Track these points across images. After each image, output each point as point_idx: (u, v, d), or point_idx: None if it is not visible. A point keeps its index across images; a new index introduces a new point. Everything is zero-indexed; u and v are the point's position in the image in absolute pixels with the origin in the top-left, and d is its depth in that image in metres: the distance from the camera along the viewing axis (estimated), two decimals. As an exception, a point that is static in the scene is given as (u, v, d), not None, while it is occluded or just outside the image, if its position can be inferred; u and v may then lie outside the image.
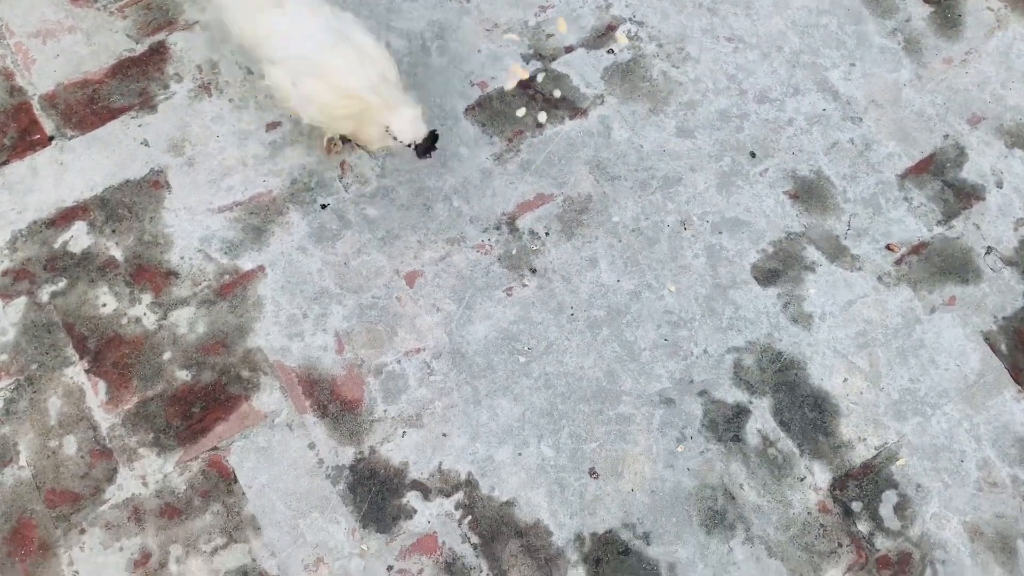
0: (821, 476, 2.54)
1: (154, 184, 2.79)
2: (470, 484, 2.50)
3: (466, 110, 2.95)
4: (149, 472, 2.46)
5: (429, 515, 2.46)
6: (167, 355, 2.59)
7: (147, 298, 2.65)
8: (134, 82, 2.93)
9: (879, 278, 2.78)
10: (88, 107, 2.88)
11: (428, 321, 2.68)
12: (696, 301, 2.73)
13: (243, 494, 2.45)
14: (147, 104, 2.90)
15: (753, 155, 2.93)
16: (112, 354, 2.57)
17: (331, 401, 2.56)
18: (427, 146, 2.51)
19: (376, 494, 2.46)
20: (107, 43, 2.98)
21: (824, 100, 3.02)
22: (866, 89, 3.05)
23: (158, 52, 2.98)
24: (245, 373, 2.58)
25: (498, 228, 2.78)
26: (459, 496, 2.48)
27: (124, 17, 3.03)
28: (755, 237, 2.82)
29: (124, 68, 2.95)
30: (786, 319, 2.72)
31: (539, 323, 2.69)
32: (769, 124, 2.98)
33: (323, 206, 2.80)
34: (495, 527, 2.46)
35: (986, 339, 2.72)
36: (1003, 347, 2.72)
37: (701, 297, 2.74)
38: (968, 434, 2.60)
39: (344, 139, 2.77)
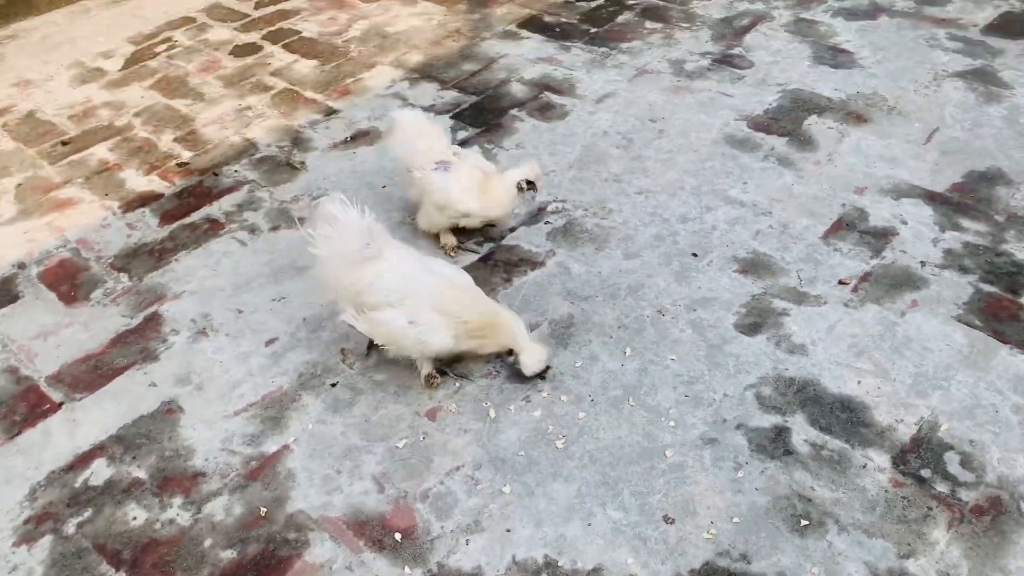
0: (880, 459, 2.55)
1: (168, 412, 2.89)
2: (550, 565, 2.37)
3: (440, 287, 3.27)
4: (210, 653, 2.24)
5: (519, 605, 2.29)
6: (208, 542, 2.49)
7: (178, 501, 2.60)
8: (134, 345, 3.15)
9: (845, 305, 3.06)
10: (93, 373, 3.05)
11: (460, 442, 2.71)
12: (699, 361, 2.90)
13: (317, 643, 2.24)
14: (149, 357, 3.09)
15: (695, 255, 3.32)
16: (150, 557, 2.46)
17: (385, 535, 2.47)
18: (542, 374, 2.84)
19: (459, 602, 2.30)
20: (104, 326, 3.24)
21: (734, 208, 3.52)
22: (764, 194, 3.60)
23: (152, 320, 3.25)
24: (291, 535, 2.49)
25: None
26: (543, 578, 2.34)
27: (117, 304, 3.33)
28: (726, 305, 3.09)
29: (123, 338, 3.18)
30: (783, 353, 2.90)
31: (564, 415, 2.77)
32: (698, 234, 3.42)
33: (332, 384, 2.93)
34: (590, 594, 2.30)
35: (959, 321, 2.96)
36: (977, 322, 2.95)
37: (702, 357, 2.91)
38: (989, 390, 2.72)
39: (441, 372, 2.89)
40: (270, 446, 2.74)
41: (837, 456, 2.57)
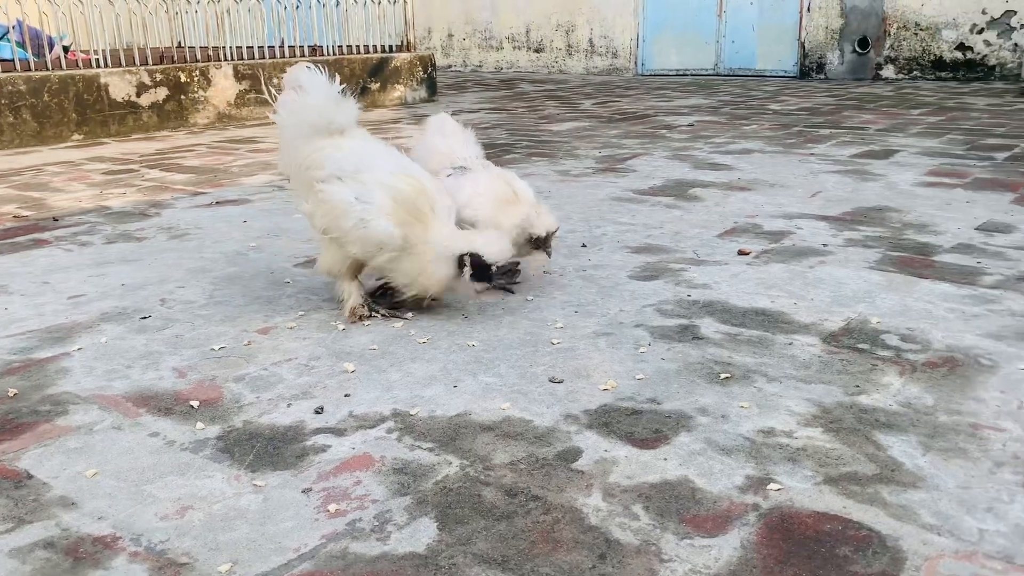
0: (807, 340, 2.12)
1: (-83, 340, 2.25)
2: (399, 415, 1.76)
3: (294, 264, 2.83)
4: None
5: (351, 444, 1.65)
6: (-81, 417, 1.79)
7: None
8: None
9: (748, 264, 2.76)
10: None
11: (295, 345, 2.15)
12: (589, 294, 2.49)
13: (44, 484, 1.52)
14: (-86, 311, 2.49)
15: (584, 245, 3.03)
16: None
17: (176, 404, 1.83)
18: (511, 271, 2.29)
19: (264, 448, 1.65)
20: None
21: (623, 226, 3.30)
22: (654, 219, 3.41)
23: (-67, 292, 2.68)
24: (44, 408, 1.82)
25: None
26: (389, 424, 1.72)
27: None
28: (618, 267, 2.75)
29: None
30: (684, 288, 2.53)
31: (430, 326, 2.26)
32: (587, 236, 3.15)
33: (143, 318, 2.37)
34: (451, 432, 1.68)
35: (872, 269, 2.68)
36: (891, 269, 2.68)
37: (592, 293, 2.51)
38: (919, 301, 2.38)
39: (372, 309, 2.34)
40: (43, 353, 2.12)
41: (756, 339, 2.13)
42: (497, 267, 2.21)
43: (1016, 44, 8.77)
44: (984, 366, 1.94)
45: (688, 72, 11.02)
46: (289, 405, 1.81)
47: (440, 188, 2.32)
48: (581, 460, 1.56)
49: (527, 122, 6.70)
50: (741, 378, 1.90)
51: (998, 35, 8.88)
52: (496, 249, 2.19)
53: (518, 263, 2.25)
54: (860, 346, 2.07)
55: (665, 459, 1.56)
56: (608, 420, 1.71)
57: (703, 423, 1.69)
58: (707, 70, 10.90)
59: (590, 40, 11.73)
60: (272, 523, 1.39)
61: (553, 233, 2.43)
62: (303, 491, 1.48)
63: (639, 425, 1.69)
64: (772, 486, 1.46)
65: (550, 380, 1.90)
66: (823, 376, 1.90)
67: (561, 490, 1.46)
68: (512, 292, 2.25)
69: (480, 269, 2.18)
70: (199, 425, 1.72)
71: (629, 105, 7.80)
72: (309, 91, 2.31)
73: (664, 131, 5.99)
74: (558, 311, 2.35)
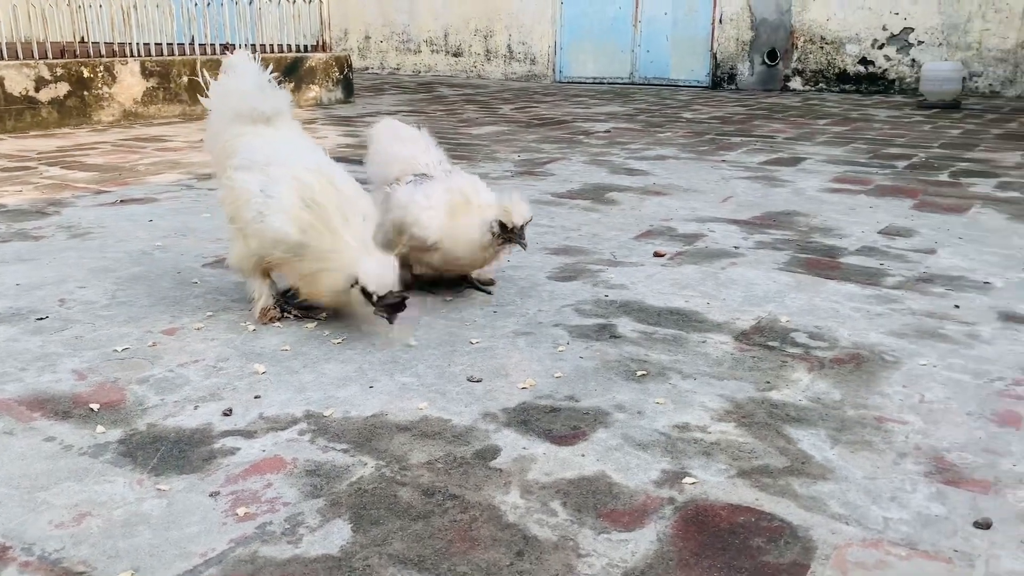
0: (720, 338, 2.16)
1: None
2: (312, 416, 1.72)
3: (203, 264, 2.75)
4: None
5: (261, 446, 1.60)
6: None
7: None
8: None
9: (663, 266, 2.80)
10: None
11: (202, 346, 2.08)
12: (509, 294, 2.49)
13: (-75, 493, 1.43)
14: None
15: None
16: None
17: (75, 408, 1.75)
18: (394, 306, 2.01)
19: (169, 451, 1.58)
20: None
21: (540, 228, 3.30)
22: (572, 222, 3.43)
23: None
24: (-72, 413, 1.71)
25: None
26: (301, 426, 1.68)
27: None
28: (537, 268, 2.75)
29: None
30: (602, 289, 2.55)
31: (346, 326, 2.22)
32: (505, 239, 3.14)
33: (40, 319, 2.26)
34: (366, 432, 1.65)
35: (781, 271, 2.75)
36: (799, 270, 2.75)
37: (511, 294, 2.50)
38: (826, 301, 2.45)
39: (284, 310, 2.25)
40: (-71, 357, 1.99)
41: (671, 337, 2.16)
42: (378, 298, 2.01)
43: (914, 60, 9.19)
44: (888, 362, 2.01)
45: (604, 80, 11.18)
46: (196, 407, 1.75)
47: (358, 192, 2.24)
48: (499, 458, 1.55)
49: (446, 126, 6.67)
50: (657, 375, 1.91)
51: (897, 51, 9.29)
52: (375, 280, 2.00)
53: (405, 298, 2.04)
54: (770, 344, 2.12)
55: (583, 455, 1.56)
56: (527, 418, 1.70)
57: (620, 419, 1.70)
58: (623, 79, 11.08)
59: (508, 46, 11.78)
60: (177, 528, 1.33)
61: (527, 223, 2.30)
62: (210, 495, 1.43)
63: (557, 422, 1.68)
64: (687, 480, 1.48)
65: (468, 379, 1.88)
66: (735, 372, 1.94)
67: (479, 488, 1.45)
68: (391, 323, 2.04)
69: (367, 294, 2.02)
70: (99, 429, 1.65)
71: (547, 111, 7.85)
72: (237, 75, 2.25)
73: (582, 137, 6.04)
74: (477, 311, 2.34)
